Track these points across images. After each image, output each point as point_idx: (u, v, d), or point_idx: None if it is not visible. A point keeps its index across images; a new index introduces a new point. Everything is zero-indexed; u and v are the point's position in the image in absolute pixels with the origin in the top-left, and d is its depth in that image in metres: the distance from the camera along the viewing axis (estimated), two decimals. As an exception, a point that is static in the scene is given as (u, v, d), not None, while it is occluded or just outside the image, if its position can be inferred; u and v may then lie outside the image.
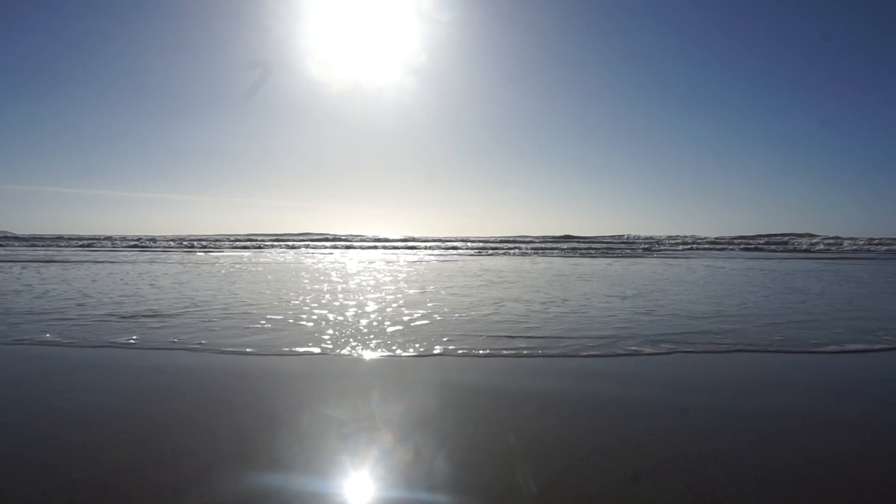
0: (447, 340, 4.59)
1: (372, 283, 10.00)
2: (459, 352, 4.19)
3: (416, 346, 4.37)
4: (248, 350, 4.19)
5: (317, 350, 4.22)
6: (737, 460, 2.24)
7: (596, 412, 2.85)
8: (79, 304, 6.70)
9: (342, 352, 4.17)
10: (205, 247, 34.82)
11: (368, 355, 4.07)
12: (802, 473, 2.13)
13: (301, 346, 4.35)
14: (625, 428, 2.61)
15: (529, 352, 4.19)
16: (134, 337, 4.65)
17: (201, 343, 4.42)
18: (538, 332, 4.99)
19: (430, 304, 6.80)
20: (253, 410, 2.81)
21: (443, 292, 8.24)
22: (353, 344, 4.45)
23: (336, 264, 16.71)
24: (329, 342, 4.50)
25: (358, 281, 10.40)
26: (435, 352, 4.16)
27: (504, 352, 4.19)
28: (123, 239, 48.35)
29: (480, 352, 4.20)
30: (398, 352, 4.17)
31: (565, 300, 7.30)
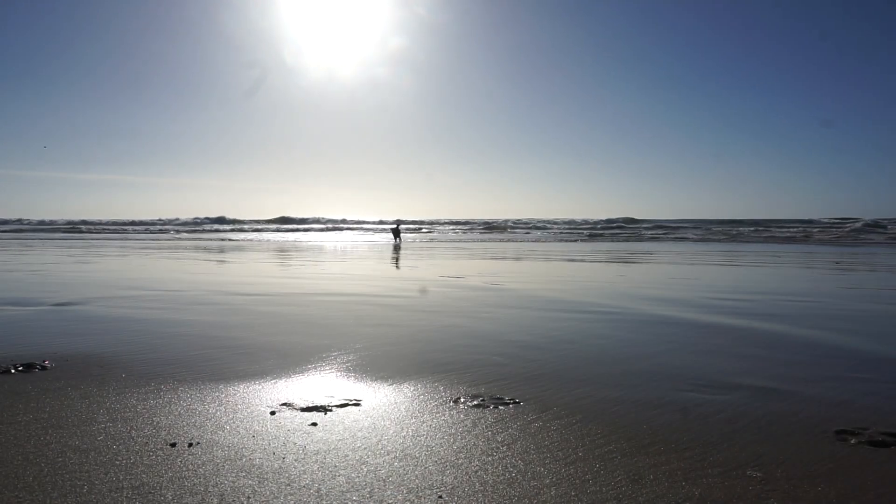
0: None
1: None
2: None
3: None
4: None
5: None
6: (738, 459, 2.24)
7: (596, 409, 2.86)
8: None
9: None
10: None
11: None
12: (802, 473, 2.13)
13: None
14: (625, 426, 2.62)
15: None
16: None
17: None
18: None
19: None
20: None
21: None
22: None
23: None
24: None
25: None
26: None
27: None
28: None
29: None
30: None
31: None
